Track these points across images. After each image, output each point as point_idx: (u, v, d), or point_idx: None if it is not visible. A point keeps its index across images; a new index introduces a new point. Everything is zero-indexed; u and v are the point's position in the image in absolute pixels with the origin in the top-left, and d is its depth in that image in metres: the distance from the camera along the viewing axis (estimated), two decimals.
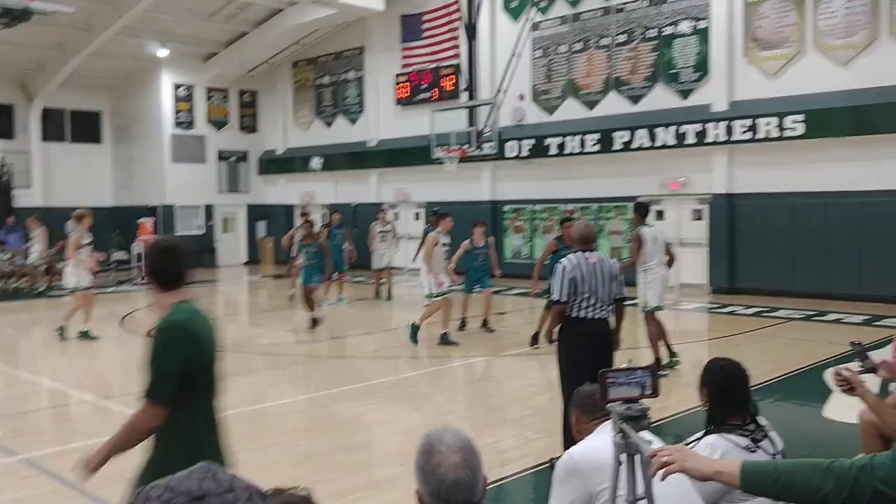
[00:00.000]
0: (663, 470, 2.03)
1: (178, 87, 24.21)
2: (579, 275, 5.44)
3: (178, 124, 24.28)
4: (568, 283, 5.44)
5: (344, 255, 15.42)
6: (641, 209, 9.23)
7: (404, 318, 13.73)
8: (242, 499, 1.02)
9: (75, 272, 11.28)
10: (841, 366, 3.46)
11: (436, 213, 12.07)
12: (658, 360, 8.44)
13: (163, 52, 22.56)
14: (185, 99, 24.41)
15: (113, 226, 23.86)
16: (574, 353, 5.47)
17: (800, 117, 14.55)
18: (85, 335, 11.34)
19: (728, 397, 3.02)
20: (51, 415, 7.70)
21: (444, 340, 10.15)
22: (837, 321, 12.25)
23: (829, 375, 6.66)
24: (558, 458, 5.29)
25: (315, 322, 12.02)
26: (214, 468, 1.06)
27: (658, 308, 8.80)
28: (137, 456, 6.16)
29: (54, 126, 24.52)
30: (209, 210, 25.04)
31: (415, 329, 10.40)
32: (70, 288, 11.51)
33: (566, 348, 5.57)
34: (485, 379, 9.21)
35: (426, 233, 11.28)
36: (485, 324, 11.48)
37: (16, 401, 8.14)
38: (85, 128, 25.29)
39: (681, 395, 7.31)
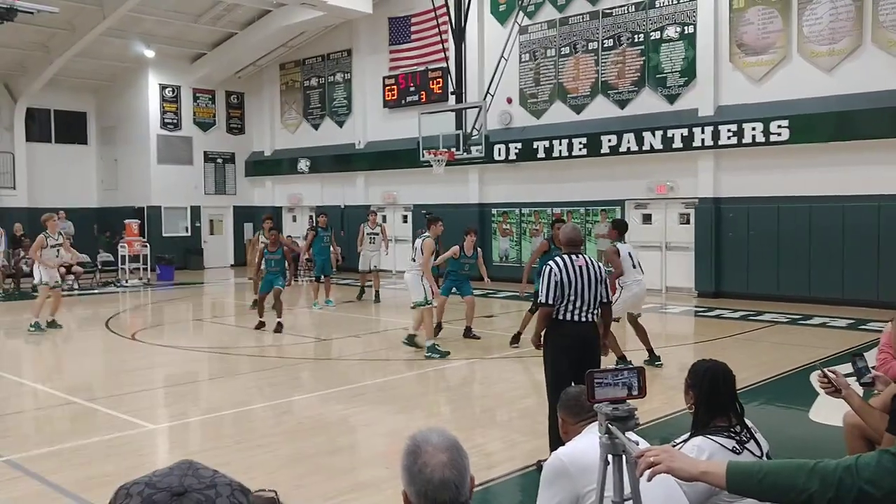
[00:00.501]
0: (650, 470, 2.03)
1: (164, 88, 24.10)
2: (566, 277, 5.45)
3: (165, 125, 24.16)
4: (554, 285, 5.44)
5: (330, 258, 15.37)
6: (621, 227, 9.51)
7: (391, 321, 13.74)
8: (224, 495, 1.01)
9: (42, 270, 12.16)
10: (826, 368, 3.48)
11: (429, 216, 12.00)
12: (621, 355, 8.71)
13: (149, 53, 22.45)
14: (171, 100, 24.30)
15: (100, 227, 23.74)
16: (559, 355, 5.47)
17: (784, 122, 14.66)
18: (51, 325, 12.35)
19: (714, 398, 3.02)
20: (35, 417, 7.63)
21: (432, 349, 9.98)
22: (822, 325, 12.35)
23: (814, 378, 6.69)
24: (545, 460, 5.31)
25: (279, 326, 11.95)
26: (196, 464, 1.06)
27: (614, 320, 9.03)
28: (127, 458, 6.10)
29: (39, 127, 24.35)
30: (196, 211, 24.92)
31: (412, 339, 10.30)
32: (35, 283, 12.35)
33: (552, 351, 5.57)
34: (472, 381, 9.20)
35: (423, 238, 11.00)
36: (468, 331, 11.30)
37: (0, 402, 8.07)
38: (70, 128, 25.13)
39: (666, 397, 7.34)
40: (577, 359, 5.31)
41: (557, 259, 5.60)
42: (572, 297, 5.46)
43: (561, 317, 5.49)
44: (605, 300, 5.64)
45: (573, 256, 5.59)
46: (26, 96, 23.21)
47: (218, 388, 8.76)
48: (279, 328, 11.90)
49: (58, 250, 12.47)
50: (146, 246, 21.02)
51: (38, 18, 18.05)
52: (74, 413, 7.47)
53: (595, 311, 5.59)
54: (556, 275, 5.45)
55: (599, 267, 5.67)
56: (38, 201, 23.18)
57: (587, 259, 5.65)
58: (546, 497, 2.69)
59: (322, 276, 15.14)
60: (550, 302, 5.45)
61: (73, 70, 22.96)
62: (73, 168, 24.85)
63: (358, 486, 5.31)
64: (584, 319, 5.51)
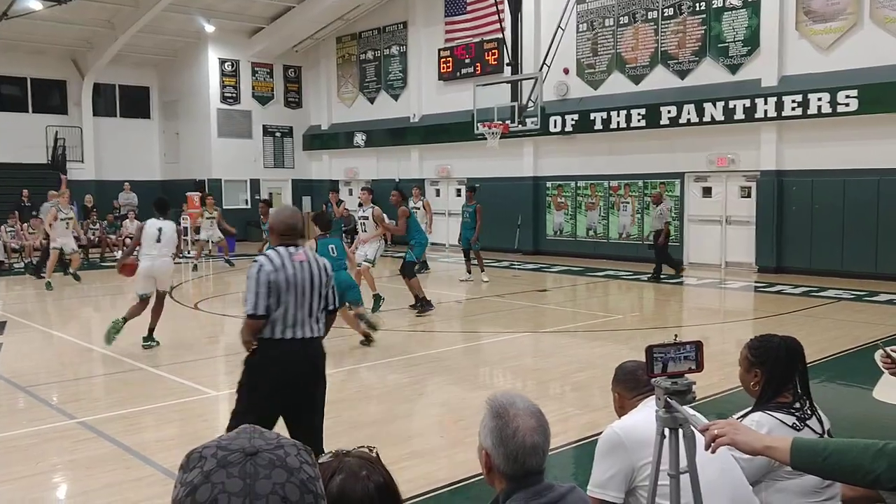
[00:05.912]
0: (714, 442, 2.03)
1: (223, 62, 24.48)
2: (282, 278, 4.02)
3: (224, 99, 24.59)
4: (266, 290, 3.97)
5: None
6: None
7: (441, 293, 13.81)
8: (292, 454, 1.05)
9: (57, 238, 14.21)
10: (889, 347, 3.39)
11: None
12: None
13: (209, 28, 22.80)
14: (230, 74, 24.68)
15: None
16: (262, 384, 4.05)
17: (853, 92, 14.12)
18: (74, 276, 14.42)
19: (788, 374, 2.96)
20: (104, 381, 7.96)
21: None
22: (889, 302, 11.96)
23: (878, 357, 6.52)
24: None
25: None
26: (259, 428, 1.10)
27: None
28: (190, 422, 6.32)
29: (105, 102, 25.08)
30: (255, 184, 25.38)
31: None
32: (55, 247, 14.34)
33: (254, 376, 4.11)
34: (524, 355, 9.23)
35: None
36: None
37: (72, 367, 8.43)
38: (134, 103, 25.82)
39: (723, 374, 7.24)
40: (289, 395, 4.01)
41: (272, 253, 4.12)
42: (290, 307, 4.02)
43: (269, 335, 4.02)
44: (331, 307, 4.28)
45: (291, 248, 4.14)
46: (93, 72, 23.88)
47: None
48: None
49: (67, 223, 14.27)
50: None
51: None
52: (141, 379, 7.76)
53: (321, 324, 4.21)
54: (268, 274, 3.99)
55: (326, 263, 4.29)
56: (105, 174, 23.94)
57: (309, 253, 4.23)
58: (601, 469, 2.70)
59: None
60: (262, 312, 3.98)
61: (137, 46, 23.49)
62: (136, 142, 25.55)
63: (414, 454, 5.41)
64: (303, 336, 4.07)
